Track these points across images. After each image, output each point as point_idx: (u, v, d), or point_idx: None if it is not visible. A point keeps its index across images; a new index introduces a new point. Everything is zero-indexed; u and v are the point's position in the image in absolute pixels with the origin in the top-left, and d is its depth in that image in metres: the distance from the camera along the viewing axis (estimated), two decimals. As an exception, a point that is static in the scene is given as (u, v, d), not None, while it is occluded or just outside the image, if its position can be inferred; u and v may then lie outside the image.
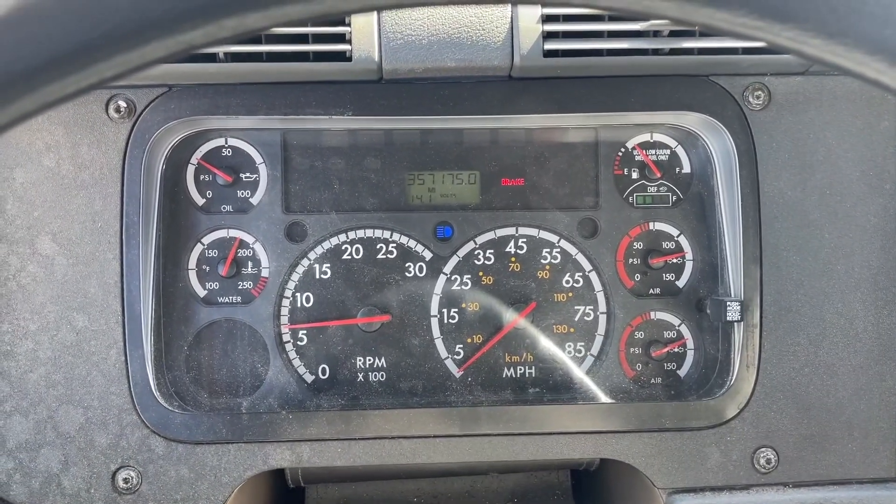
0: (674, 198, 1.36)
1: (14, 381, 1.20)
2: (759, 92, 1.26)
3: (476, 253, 1.34)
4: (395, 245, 1.34)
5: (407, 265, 1.34)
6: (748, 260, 1.26)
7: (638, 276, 1.36)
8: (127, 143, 1.21)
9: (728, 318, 1.25)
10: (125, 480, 1.20)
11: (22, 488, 1.20)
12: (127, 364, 1.20)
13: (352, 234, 1.33)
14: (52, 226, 1.20)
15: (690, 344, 1.35)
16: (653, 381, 1.36)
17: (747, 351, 1.26)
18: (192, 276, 1.31)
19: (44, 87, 0.46)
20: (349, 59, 1.18)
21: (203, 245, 1.31)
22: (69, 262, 1.20)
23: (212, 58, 1.17)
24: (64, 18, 0.44)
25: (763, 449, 1.25)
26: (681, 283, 1.36)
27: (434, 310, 1.34)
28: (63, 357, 1.20)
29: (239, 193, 1.32)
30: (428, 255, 1.34)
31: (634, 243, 1.35)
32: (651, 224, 1.35)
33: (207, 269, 1.31)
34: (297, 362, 1.32)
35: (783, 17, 0.48)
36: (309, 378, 1.32)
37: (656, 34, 1.21)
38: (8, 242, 1.20)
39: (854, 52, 0.49)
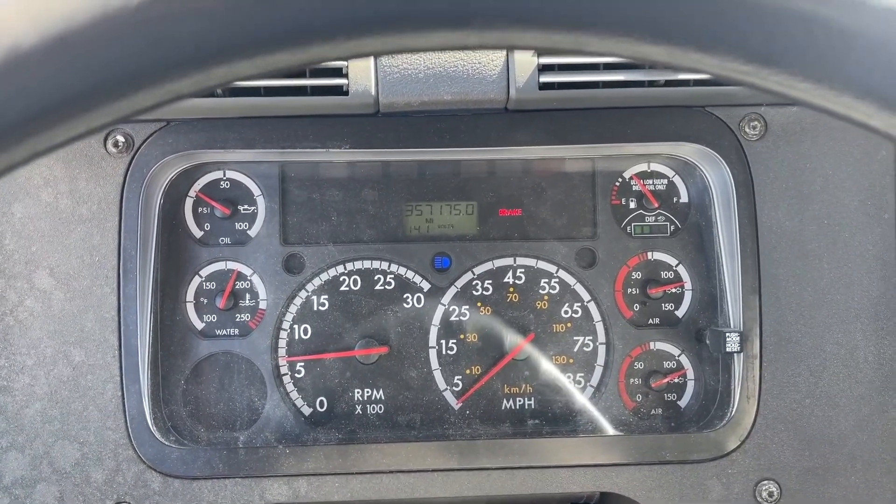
0: (672, 227, 1.36)
1: (10, 417, 1.19)
2: (756, 122, 1.26)
3: (474, 283, 1.34)
4: (392, 276, 1.33)
5: (405, 296, 1.33)
6: (747, 290, 1.26)
7: (637, 307, 1.35)
8: (125, 178, 1.22)
9: (727, 350, 1.24)
10: None
11: None
12: (123, 399, 1.20)
13: (349, 266, 1.33)
14: (50, 260, 1.20)
15: (690, 374, 1.35)
16: (653, 412, 1.35)
17: (747, 382, 1.25)
18: (190, 308, 1.31)
19: (36, 135, 0.46)
20: (346, 93, 1.18)
21: (201, 277, 1.31)
22: (67, 297, 1.20)
23: (209, 92, 1.18)
24: (56, 68, 0.45)
25: (765, 482, 1.24)
26: (680, 312, 1.35)
27: (432, 341, 1.33)
28: (59, 392, 1.19)
29: (237, 226, 1.32)
30: (426, 285, 1.34)
31: (633, 273, 1.35)
32: (649, 254, 1.35)
33: (205, 301, 1.31)
34: (294, 395, 1.31)
35: (770, 63, 0.48)
36: (306, 411, 1.31)
37: (651, 66, 1.21)
38: (6, 277, 1.20)
39: (842, 97, 0.49)
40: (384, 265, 1.33)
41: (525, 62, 1.19)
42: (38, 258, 1.20)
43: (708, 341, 1.31)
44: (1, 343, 1.19)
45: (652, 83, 1.22)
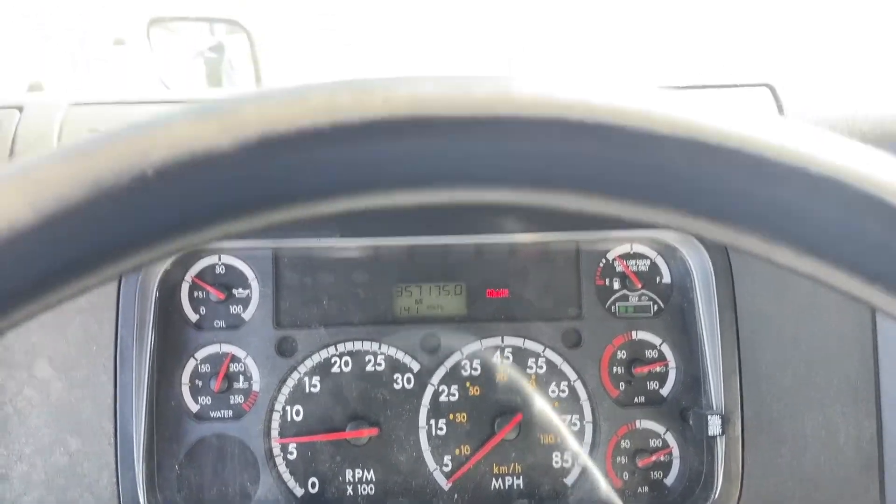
0: (655, 307, 1.39)
1: None
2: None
3: (463, 363, 1.37)
4: (383, 357, 1.37)
5: (395, 377, 1.36)
6: (728, 372, 1.29)
7: (622, 385, 1.38)
8: None
9: (710, 433, 1.27)
10: None
11: None
12: (118, 486, 1.22)
13: (340, 347, 1.36)
14: (49, 350, 1.24)
15: (676, 452, 1.37)
16: (639, 490, 1.37)
17: (730, 464, 1.27)
18: (186, 391, 1.34)
19: (51, 293, 0.47)
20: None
21: (196, 360, 1.34)
22: (64, 386, 1.23)
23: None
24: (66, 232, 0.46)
25: None
26: (665, 391, 1.38)
27: (422, 421, 1.36)
28: (56, 480, 1.22)
29: (231, 309, 1.36)
30: (416, 366, 1.37)
31: (618, 352, 1.38)
32: (634, 333, 1.38)
33: (200, 384, 1.34)
34: (286, 476, 1.33)
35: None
36: (298, 492, 1.33)
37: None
38: (6, 367, 1.23)
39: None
40: (374, 346, 1.36)
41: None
42: (38, 348, 1.23)
43: (691, 423, 1.34)
44: (0, 432, 1.22)
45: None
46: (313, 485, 1.34)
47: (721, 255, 1.30)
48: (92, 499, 1.22)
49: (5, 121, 1.24)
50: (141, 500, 1.23)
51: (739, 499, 1.26)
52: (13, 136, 1.23)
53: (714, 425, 1.26)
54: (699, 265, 1.33)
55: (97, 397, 1.24)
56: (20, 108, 1.26)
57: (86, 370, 1.24)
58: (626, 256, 1.39)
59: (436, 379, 1.37)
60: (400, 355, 1.36)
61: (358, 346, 1.36)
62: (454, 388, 1.37)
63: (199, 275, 1.35)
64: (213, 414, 1.34)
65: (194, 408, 1.34)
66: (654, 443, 1.37)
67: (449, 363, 1.37)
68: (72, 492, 1.22)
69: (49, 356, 1.24)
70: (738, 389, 1.28)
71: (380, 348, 1.36)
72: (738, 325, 1.29)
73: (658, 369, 1.38)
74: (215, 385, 1.33)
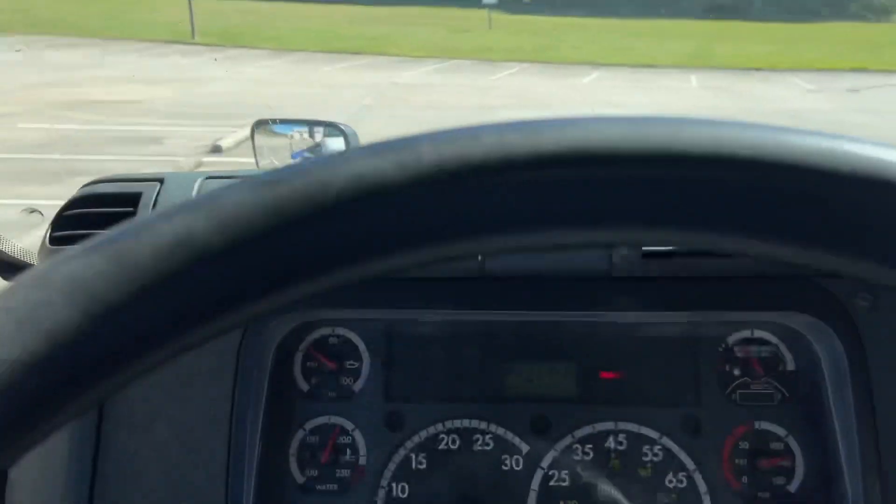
0: (779, 396, 1.32)
1: None
2: (866, 293, 1.24)
3: (574, 447, 1.32)
4: (491, 436, 1.33)
5: (503, 458, 1.32)
6: (866, 468, 1.19)
7: (745, 479, 1.29)
8: (244, 332, 1.29)
9: (849, 534, 1.17)
10: None
11: None
12: None
13: (448, 424, 1.34)
14: (169, 412, 1.27)
15: None
16: None
17: None
18: (293, 462, 1.33)
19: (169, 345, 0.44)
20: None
21: (305, 431, 1.35)
22: (181, 450, 1.25)
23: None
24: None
25: None
26: (792, 487, 1.29)
27: None
28: None
29: (342, 380, 1.36)
30: (525, 447, 1.33)
31: (739, 443, 1.30)
32: (756, 423, 1.31)
33: (308, 455, 1.34)
34: None
35: None
36: None
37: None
38: (127, 429, 1.26)
39: None
40: (483, 424, 1.33)
41: (628, 233, 1.22)
42: (158, 410, 1.27)
43: (826, 523, 1.24)
44: (119, 492, 1.24)
45: (756, 254, 1.22)
46: None
47: (855, 343, 1.22)
48: None
49: (148, 190, 1.33)
50: None
51: None
52: (153, 203, 1.31)
53: (854, 526, 1.16)
54: (829, 352, 1.26)
55: (210, 463, 1.25)
56: (161, 181, 1.35)
57: (201, 434, 1.26)
58: (747, 342, 1.34)
59: (546, 462, 1.32)
60: (509, 436, 1.33)
61: (466, 423, 1.34)
62: (564, 473, 1.31)
63: (313, 345, 1.37)
64: (318, 487, 1.33)
65: (301, 479, 1.33)
66: (781, 544, 1.27)
67: (559, 446, 1.32)
68: None
69: (168, 418, 1.26)
70: (878, 486, 1.18)
71: (488, 427, 1.33)
72: (875, 415, 1.20)
73: (784, 463, 1.29)
74: (323, 457, 1.32)
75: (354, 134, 2.26)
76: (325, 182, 0.44)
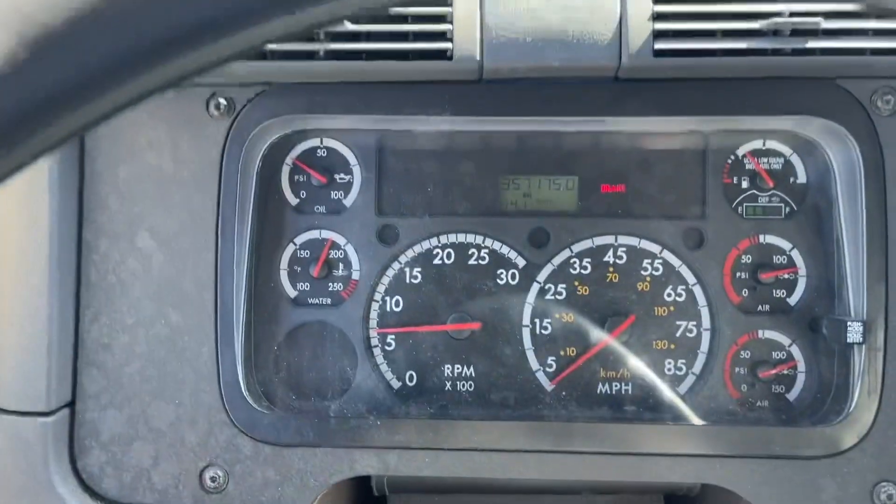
0: (787, 209, 1.27)
1: (110, 374, 1.21)
2: (889, 96, 1.16)
3: (572, 262, 1.29)
4: (487, 251, 1.29)
5: (499, 272, 1.29)
6: (872, 277, 1.17)
7: (746, 292, 1.27)
8: (225, 141, 1.21)
9: (849, 340, 1.15)
10: (212, 479, 1.19)
11: (113, 482, 1.21)
12: (218, 362, 1.20)
13: (443, 239, 1.29)
14: (151, 221, 1.21)
15: (802, 366, 1.26)
16: (759, 403, 1.27)
17: (869, 376, 1.16)
18: (284, 276, 1.30)
19: (142, 80, 0.44)
20: (450, 58, 1.15)
21: (295, 245, 1.30)
22: (166, 258, 1.21)
23: (311, 56, 1.16)
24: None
25: (884, 483, 1.15)
26: (792, 300, 1.27)
27: (526, 319, 1.29)
28: (157, 352, 1.20)
29: (332, 195, 1.30)
30: (521, 262, 1.29)
31: (743, 256, 1.27)
32: (761, 237, 1.27)
33: (299, 269, 1.30)
34: (384, 367, 1.29)
35: None
36: (396, 384, 1.29)
37: (776, 33, 1.13)
38: (109, 237, 1.21)
39: None
40: (479, 239, 1.29)
41: (640, 27, 1.12)
42: (140, 219, 1.21)
43: (825, 331, 1.22)
44: (103, 301, 1.21)
45: (776, 51, 1.13)
46: (411, 377, 1.29)
47: (872, 147, 1.16)
48: (192, 373, 1.20)
49: None
50: (240, 377, 1.20)
51: (878, 413, 1.15)
52: None
53: (855, 332, 1.15)
54: (844, 160, 1.20)
55: (198, 271, 1.21)
56: None
57: (187, 243, 1.21)
58: (758, 153, 1.27)
59: (542, 276, 1.29)
60: (505, 250, 1.29)
61: (462, 238, 1.29)
62: (561, 287, 1.29)
63: (301, 157, 1.30)
64: (311, 300, 1.30)
65: (292, 293, 1.30)
66: (777, 355, 1.27)
67: (557, 261, 1.29)
68: (172, 365, 1.20)
69: (151, 228, 1.21)
70: (884, 295, 1.15)
71: (484, 241, 1.29)
72: (887, 224, 1.16)
73: (787, 276, 1.26)
74: (315, 271, 1.28)
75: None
76: None
